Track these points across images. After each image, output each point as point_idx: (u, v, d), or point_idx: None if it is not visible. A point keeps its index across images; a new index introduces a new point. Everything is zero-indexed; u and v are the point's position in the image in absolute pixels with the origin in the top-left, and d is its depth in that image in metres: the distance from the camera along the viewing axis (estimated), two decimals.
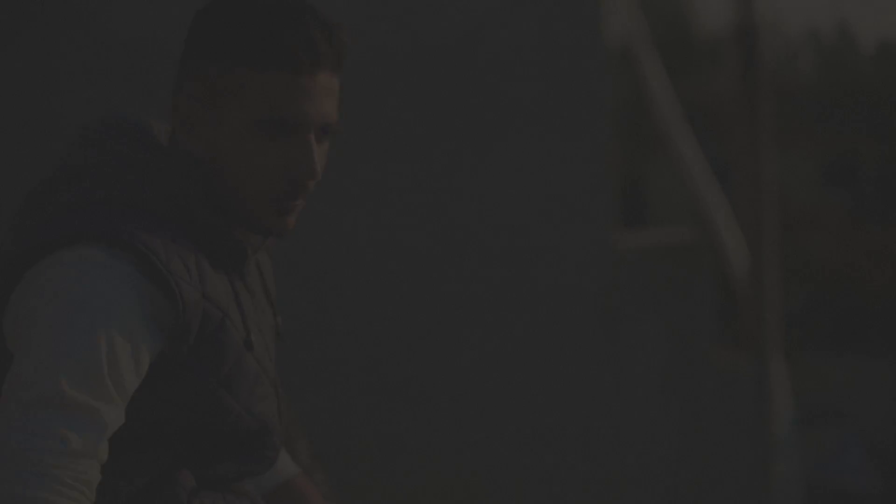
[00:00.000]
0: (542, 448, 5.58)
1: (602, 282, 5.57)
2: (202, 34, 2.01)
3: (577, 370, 5.58)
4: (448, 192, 5.41)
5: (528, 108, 5.47)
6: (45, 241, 1.86)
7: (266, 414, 2.07)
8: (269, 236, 2.07)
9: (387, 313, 5.40)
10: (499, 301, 5.48)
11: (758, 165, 6.06)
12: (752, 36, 6.06)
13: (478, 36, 5.41)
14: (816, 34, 50.10)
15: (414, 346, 5.43)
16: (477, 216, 5.43)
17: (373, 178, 5.35)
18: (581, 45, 5.48)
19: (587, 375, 5.59)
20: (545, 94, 5.48)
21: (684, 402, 5.74)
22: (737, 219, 6.34)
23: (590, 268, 5.54)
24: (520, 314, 5.50)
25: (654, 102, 6.13)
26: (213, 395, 1.97)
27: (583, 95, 5.50)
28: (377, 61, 5.34)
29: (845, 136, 34.21)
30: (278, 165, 1.98)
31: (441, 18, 5.38)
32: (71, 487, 1.73)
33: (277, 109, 1.96)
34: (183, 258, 1.91)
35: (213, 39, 1.99)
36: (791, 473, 6.24)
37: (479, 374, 5.50)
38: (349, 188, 5.34)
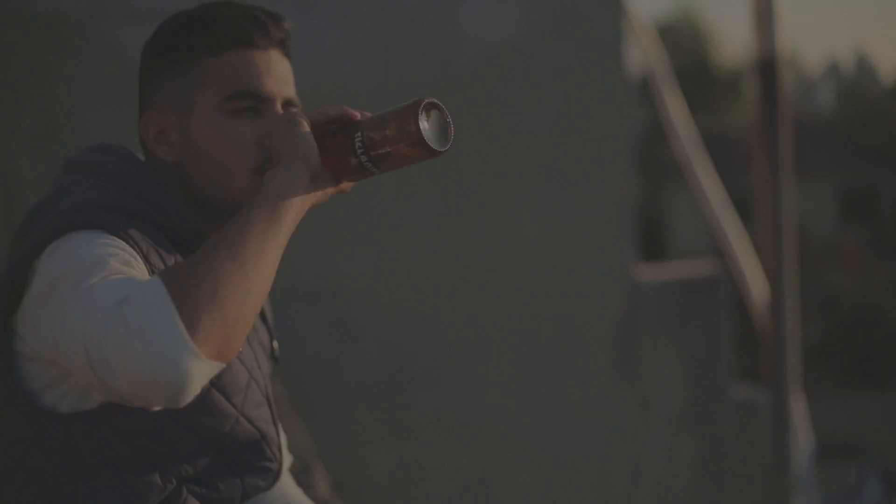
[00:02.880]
0: (561, 479, 5.58)
1: (622, 315, 5.57)
2: (156, 51, 2.12)
3: (596, 402, 5.57)
4: (467, 224, 5.42)
5: (548, 140, 5.48)
6: (42, 239, 1.92)
7: (262, 420, 2.09)
8: None
9: (407, 344, 5.41)
10: (519, 333, 5.48)
11: (777, 198, 6.06)
12: (771, 68, 6.07)
13: (499, 69, 5.43)
14: (836, 66, 50.18)
15: (433, 378, 5.43)
16: (497, 248, 5.44)
17: (393, 208, 5.37)
18: (602, 78, 5.50)
19: (606, 407, 5.59)
20: (566, 127, 5.49)
21: (703, 434, 5.74)
22: (756, 252, 6.34)
23: (610, 301, 5.55)
24: (539, 347, 5.50)
25: (674, 134, 6.14)
26: (209, 398, 2.00)
27: (604, 128, 5.51)
28: (397, 94, 5.37)
29: (864, 169, 34.20)
30: (252, 138, 2.05)
31: (461, 51, 5.41)
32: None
33: (240, 83, 2.05)
34: (161, 255, 1.97)
35: (167, 49, 2.10)
36: None
37: (499, 405, 5.50)
38: (369, 221, 5.36)
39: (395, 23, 5.37)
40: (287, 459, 2.24)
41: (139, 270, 1.85)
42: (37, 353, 1.90)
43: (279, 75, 2.09)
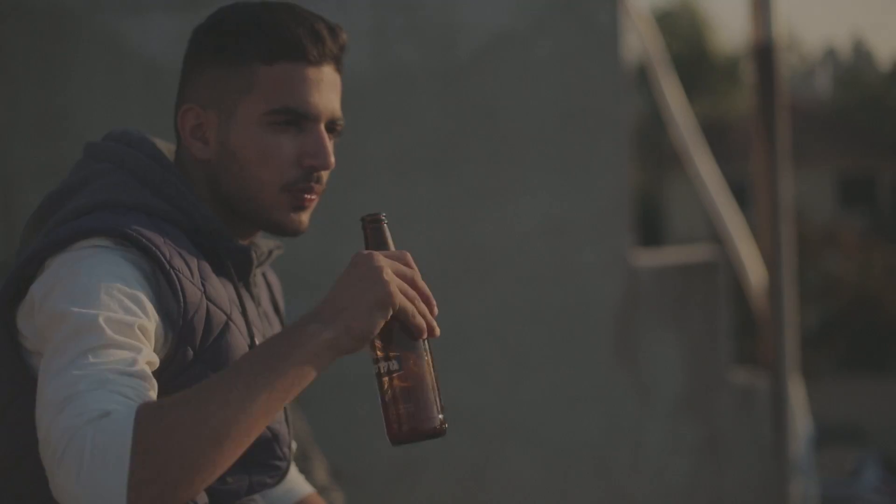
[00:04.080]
0: (560, 465, 5.59)
1: (620, 301, 5.58)
2: (207, 42, 2.05)
3: (595, 388, 5.58)
4: (466, 211, 5.43)
5: (546, 128, 5.49)
6: (58, 239, 1.89)
7: (275, 421, 2.08)
8: (285, 234, 2.08)
9: None
10: (517, 320, 5.49)
11: (774, 184, 6.06)
12: (768, 54, 6.07)
13: (496, 57, 5.44)
14: (833, 52, 50.15)
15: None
16: (495, 235, 5.45)
17: (392, 196, 5.38)
18: (599, 65, 5.50)
19: (605, 393, 5.60)
20: (564, 114, 5.50)
21: (702, 419, 5.75)
22: (754, 237, 6.35)
23: (608, 287, 5.55)
24: (538, 333, 5.51)
25: (671, 121, 6.15)
26: None
27: (601, 115, 5.52)
28: (395, 83, 5.37)
29: (862, 154, 34.20)
30: (291, 155, 2.01)
31: (459, 39, 5.41)
32: (136, 401, 1.73)
33: (288, 99, 2.00)
34: (185, 258, 1.93)
35: (219, 44, 2.03)
36: (808, 492, 6.24)
37: (497, 393, 5.51)
38: (368, 210, 5.36)
39: (392, 11, 5.37)
40: (292, 447, 2.24)
41: (140, 327, 1.80)
42: (38, 350, 1.89)
43: (328, 93, 2.04)
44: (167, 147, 2.13)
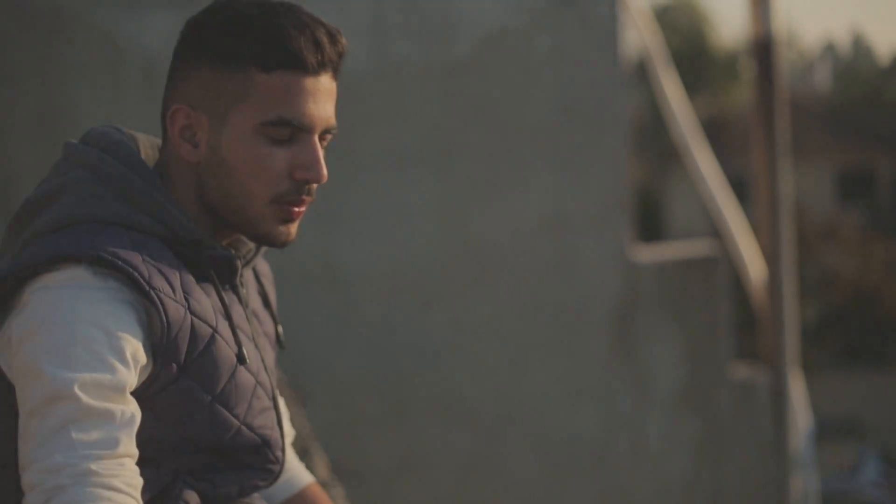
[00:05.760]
0: (560, 461, 5.59)
1: (620, 296, 5.57)
2: (201, 40, 1.96)
3: (595, 383, 5.58)
4: (465, 207, 5.42)
5: (545, 123, 5.48)
6: (29, 264, 1.85)
7: (266, 427, 2.05)
8: (271, 246, 2.03)
9: (405, 328, 5.41)
10: (517, 316, 5.49)
11: (774, 179, 6.06)
12: (767, 49, 6.07)
13: (495, 53, 5.43)
14: (833, 46, 50.14)
15: (432, 361, 5.44)
16: (495, 231, 5.45)
17: (391, 192, 5.37)
18: (598, 60, 5.50)
19: (605, 389, 5.60)
20: (563, 110, 5.49)
21: (702, 415, 5.74)
22: (754, 232, 6.35)
23: (608, 282, 5.55)
24: (538, 329, 5.51)
25: (671, 117, 6.14)
26: (211, 412, 1.95)
27: (600, 110, 5.51)
28: (394, 79, 5.36)
29: (861, 149, 34.19)
30: (283, 167, 1.94)
31: (457, 35, 5.40)
32: (126, 494, 1.73)
33: (284, 110, 1.92)
34: (166, 274, 1.88)
35: (214, 43, 1.95)
36: (809, 487, 6.24)
37: (497, 389, 5.50)
38: (367, 206, 5.36)
39: (391, 7, 5.36)
40: (289, 435, 2.22)
41: (118, 385, 1.79)
42: (12, 381, 1.86)
43: (325, 103, 1.96)
44: (152, 143, 2.07)
